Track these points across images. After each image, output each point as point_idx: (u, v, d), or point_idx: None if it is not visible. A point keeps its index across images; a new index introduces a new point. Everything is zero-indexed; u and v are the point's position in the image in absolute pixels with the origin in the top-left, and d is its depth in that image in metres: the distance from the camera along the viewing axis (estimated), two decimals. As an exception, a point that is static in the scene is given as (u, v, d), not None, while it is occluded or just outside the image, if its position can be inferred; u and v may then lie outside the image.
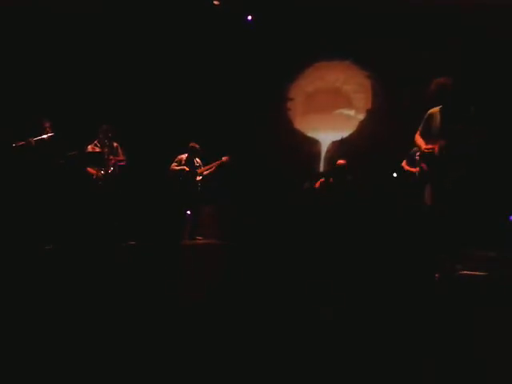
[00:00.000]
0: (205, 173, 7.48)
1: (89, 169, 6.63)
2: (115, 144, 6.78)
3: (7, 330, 2.53)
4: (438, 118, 4.29)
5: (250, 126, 8.31)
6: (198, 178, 7.47)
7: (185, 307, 3.06)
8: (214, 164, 7.49)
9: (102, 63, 7.95)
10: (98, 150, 6.67)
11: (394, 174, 6.44)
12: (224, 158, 7.46)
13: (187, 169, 7.40)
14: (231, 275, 4.18)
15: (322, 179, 7.36)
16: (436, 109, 4.33)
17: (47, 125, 6.19)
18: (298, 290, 3.58)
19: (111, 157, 6.67)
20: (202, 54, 8.23)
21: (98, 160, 6.61)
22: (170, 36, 8.07)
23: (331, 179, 7.23)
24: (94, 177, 6.60)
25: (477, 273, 4.02)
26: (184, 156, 7.47)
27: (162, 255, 5.54)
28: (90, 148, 6.68)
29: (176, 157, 7.48)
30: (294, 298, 3.30)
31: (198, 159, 7.52)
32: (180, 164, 7.45)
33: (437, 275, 4.04)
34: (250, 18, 8.18)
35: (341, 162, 7.14)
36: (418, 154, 4.95)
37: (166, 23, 7.92)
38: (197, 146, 7.44)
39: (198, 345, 2.33)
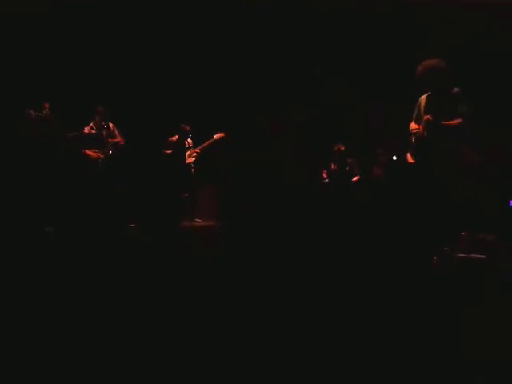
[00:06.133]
0: (194, 154, 7.37)
1: (88, 152, 6.60)
2: (111, 125, 6.76)
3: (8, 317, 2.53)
4: (424, 104, 4.26)
5: (250, 115, 8.27)
6: (190, 159, 7.36)
7: (183, 292, 3.07)
8: (206, 144, 7.37)
9: (99, 48, 7.87)
10: (94, 132, 6.67)
11: (394, 157, 6.57)
12: (216, 137, 7.33)
13: (168, 151, 7.33)
14: (228, 259, 4.20)
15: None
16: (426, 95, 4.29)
17: (46, 106, 6.19)
18: (295, 278, 3.61)
19: (109, 139, 6.67)
20: (201, 40, 8.18)
21: (96, 142, 6.61)
22: (168, 21, 8.00)
23: (333, 165, 7.43)
24: (94, 159, 6.57)
25: (475, 256, 4.14)
26: (173, 138, 7.40)
27: (160, 238, 5.57)
28: (86, 130, 6.65)
29: (166, 140, 7.43)
30: (291, 287, 3.31)
31: (189, 140, 7.41)
32: (168, 146, 7.42)
33: (435, 258, 4.14)
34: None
35: (340, 146, 7.34)
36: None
37: (165, 7, 7.86)
38: (187, 128, 7.34)
39: (198, 336, 2.34)
